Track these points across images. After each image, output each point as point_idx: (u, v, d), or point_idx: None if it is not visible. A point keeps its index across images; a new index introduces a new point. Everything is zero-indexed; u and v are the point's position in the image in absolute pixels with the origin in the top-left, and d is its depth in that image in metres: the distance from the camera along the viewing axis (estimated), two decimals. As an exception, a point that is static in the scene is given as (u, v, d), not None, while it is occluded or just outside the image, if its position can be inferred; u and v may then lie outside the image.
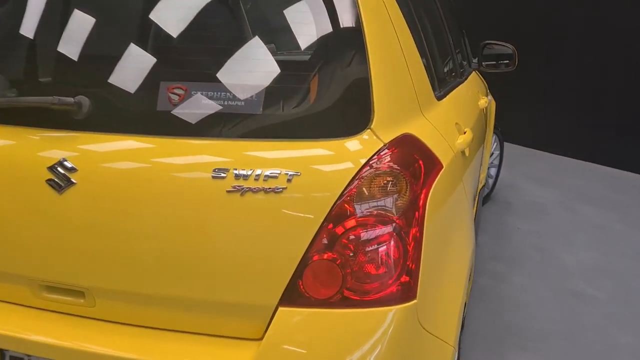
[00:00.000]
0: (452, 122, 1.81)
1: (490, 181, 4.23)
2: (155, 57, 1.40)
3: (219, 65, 1.34)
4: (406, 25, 1.59)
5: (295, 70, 1.38)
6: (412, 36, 1.62)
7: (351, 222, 1.25)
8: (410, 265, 1.26)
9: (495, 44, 3.11)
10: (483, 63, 3.13)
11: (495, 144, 4.09)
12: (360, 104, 1.32)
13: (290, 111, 1.33)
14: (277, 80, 1.33)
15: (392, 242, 1.25)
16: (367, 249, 1.25)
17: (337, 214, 1.24)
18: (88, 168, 1.33)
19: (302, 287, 1.25)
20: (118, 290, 1.36)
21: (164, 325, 1.37)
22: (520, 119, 5.77)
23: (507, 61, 3.13)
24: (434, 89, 1.75)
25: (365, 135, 1.30)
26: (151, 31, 1.48)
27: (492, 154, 4.07)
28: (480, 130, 2.71)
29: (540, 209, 4.20)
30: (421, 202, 1.30)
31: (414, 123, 1.46)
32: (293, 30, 1.36)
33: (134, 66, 1.39)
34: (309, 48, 1.37)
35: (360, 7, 1.36)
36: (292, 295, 1.26)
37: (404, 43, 1.52)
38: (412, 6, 1.82)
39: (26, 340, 1.38)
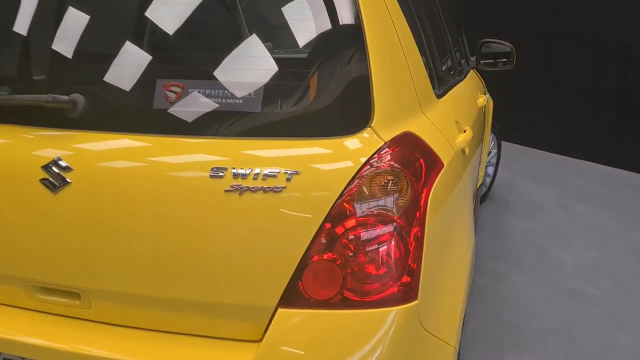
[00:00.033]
0: (452, 120, 1.79)
1: (488, 180, 4.23)
2: (151, 54, 1.38)
3: (217, 62, 1.32)
4: (406, 22, 1.57)
5: (295, 67, 1.36)
6: (412, 33, 1.60)
7: (351, 222, 1.23)
8: (412, 265, 1.25)
9: (493, 42, 3.09)
10: (481, 61, 3.12)
11: (493, 142, 4.08)
12: (360, 101, 1.30)
13: (289, 109, 1.31)
14: (275, 77, 1.30)
15: (392, 242, 1.24)
16: (368, 249, 1.23)
17: (337, 214, 1.22)
18: (83, 167, 1.30)
19: (301, 287, 1.24)
20: (114, 292, 1.34)
21: (161, 327, 1.35)
22: (517, 118, 5.77)
23: (505, 59, 3.11)
24: (433, 87, 1.74)
25: (366, 133, 1.28)
26: (147, 28, 1.46)
27: (490, 152, 4.06)
28: (480, 129, 2.70)
29: (537, 208, 4.20)
30: (422, 201, 1.28)
31: (414, 121, 1.44)
32: (293, 27, 1.34)
33: (129, 63, 1.37)
34: (308, 45, 1.35)
35: (360, 4, 1.34)
36: (292, 296, 1.24)
37: (404, 40, 1.50)
38: (411, 3, 1.80)
39: (20, 342, 1.35)
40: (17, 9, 1.47)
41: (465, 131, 1.86)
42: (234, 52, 1.32)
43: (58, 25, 1.44)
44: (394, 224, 1.24)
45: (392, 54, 1.42)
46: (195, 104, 1.30)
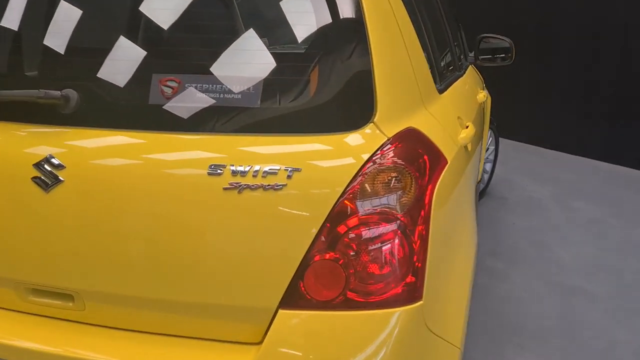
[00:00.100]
0: (454, 115, 1.76)
1: (486, 176, 4.21)
2: (146, 48, 1.34)
3: (215, 55, 1.28)
4: (407, 16, 1.54)
5: (295, 61, 1.32)
6: (413, 26, 1.57)
7: (354, 221, 1.20)
8: (416, 264, 1.22)
9: (492, 37, 3.07)
10: (479, 57, 3.09)
11: (491, 139, 4.07)
12: (362, 96, 1.26)
13: (289, 104, 1.28)
14: (275, 72, 1.27)
15: (396, 241, 1.20)
16: (371, 248, 1.20)
17: (339, 212, 1.19)
18: (76, 165, 1.27)
19: (303, 288, 1.20)
20: (109, 293, 1.30)
21: (157, 330, 1.32)
22: (515, 114, 5.75)
23: (504, 55, 3.09)
24: (435, 82, 1.70)
25: (368, 129, 1.25)
26: (142, 21, 1.42)
27: (488, 149, 4.05)
28: (480, 125, 2.68)
29: (535, 204, 4.18)
30: (427, 199, 1.25)
31: (417, 117, 1.40)
32: (293, 20, 1.30)
33: (124, 58, 1.33)
34: (309, 38, 1.31)
35: None
36: (293, 297, 1.21)
37: (406, 33, 1.47)
38: (412, -2, 1.77)
39: (12, 346, 1.32)
40: (7, 3, 1.43)
41: (467, 127, 1.83)
42: (233, 45, 1.28)
43: (50, 18, 1.39)
44: (398, 222, 1.20)
45: (394, 48, 1.39)
46: (192, 99, 1.26)
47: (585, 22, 5.41)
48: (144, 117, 1.30)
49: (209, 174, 1.20)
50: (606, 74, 5.35)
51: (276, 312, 1.22)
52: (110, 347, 1.29)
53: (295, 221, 1.20)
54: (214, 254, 1.23)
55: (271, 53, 1.27)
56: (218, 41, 1.31)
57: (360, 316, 1.20)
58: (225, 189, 1.19)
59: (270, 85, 1.25)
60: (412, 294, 1.21)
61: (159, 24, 1.32)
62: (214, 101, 1.26)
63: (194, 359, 1.26)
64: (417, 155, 1.28)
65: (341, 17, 1.31)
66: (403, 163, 1.23)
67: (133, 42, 1.35)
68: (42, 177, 1.27)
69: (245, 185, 1.19)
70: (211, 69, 1.26)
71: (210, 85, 1.26)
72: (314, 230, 1.19)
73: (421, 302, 1.22)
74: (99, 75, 1.32)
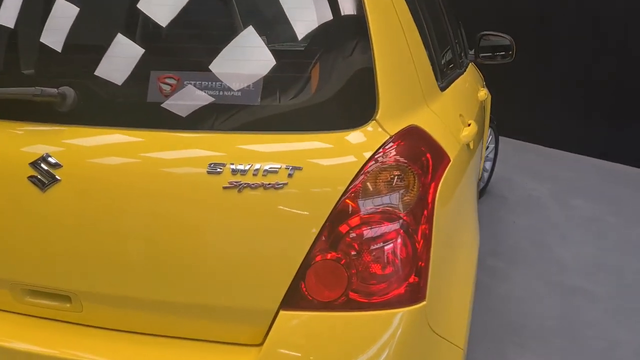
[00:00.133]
0: (456, 113, 1.74)
1: (486, 175, 4.20)
2: (144, 45, 1.32)
3: (214, 53, 1.26)
4: (409, 12, 1.52)
5: (295, 58, 1.30)
6: (415, 23, 1.55)
7: (356, 220, 1.18)
8: (419, 264, 1.20)
9: (493, 35, 3.05)
10: (479, 54, 3.07)
11: (491, 137, 4.06)
12: (364, 94, 1.24)
13: (290, 102, 1.26)
14: (275, 69, 1.25)
15: (399, 241, 1.18)
16: (373, 247, 1.18)
17: (341, 211, 1.17)
18: (73, 164, 1.25)
19: (304, 289, 1.18)
20: (107, 294, 1.28)
21: (155, 331, 1.30)
22: (514, 113, 5.74)
23: (504, 52, 3.07)
24: (437, 80, 1.68)
25: (370, 127, 1.23)
26: (140, 18, 1.40)
27: (488, 147, 4.03)
28: (481, 123, 2.66)
29: (535, 203, 4.17)
30: (430, 197, 1.23)
31: (419, 114, 1.39)
32: (294, 16, 1.28)
33: (122, 55, 1.31)
34: (310, 35, 1.29)
35: None
36: (294, 298, 1.19)
37: (407, 30, 1.45)
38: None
39: (8, 348, 1.30)
40: (2, 0, 1.41)
41: (469, 125, 1.81)
42: (232, 42, 1.26)
43: (47, 16, 1.37)
44: (401, 221, 1.19)
45: (396, 44, 1.37)
46: (191, 96, 1.24)
47: (586, 19, 5.40)
48: (142, 115, 1.28)
49: (209, 172, 1.18)
50: (606, 73, 5.34)
51: (277, 313, 1.20)
52: (108, 349, 1.27)
53: (296, 220, 1.18)
54: (214, 254, 1.21)
55: (271, 50, 1.25)
56: (217, 38, 1.29)
57: (363, 317, 1.18)
58: (225, 188, 1.17)
59: (270, 83, 1.23)
60: (415, 294, 1.19)
61: (157, 21, 1.30)
62: (213, 99, 1.24)
63: (194, 360, 1.24)
64: (419, 153, 1.26)
65: (342, 13, 1.29)
66: (406, 161, 1.21)
67: (131, 39, 1.33)
68: (39, 176, 1.25)
69: (245, 184, 1.17)
70: (210, 67, 1.24)
71: (210, 83, 1.24)
72: (315, 230, 1.17)
73: (424, 302, 1.20)
74: (96, 72, 1.30)
